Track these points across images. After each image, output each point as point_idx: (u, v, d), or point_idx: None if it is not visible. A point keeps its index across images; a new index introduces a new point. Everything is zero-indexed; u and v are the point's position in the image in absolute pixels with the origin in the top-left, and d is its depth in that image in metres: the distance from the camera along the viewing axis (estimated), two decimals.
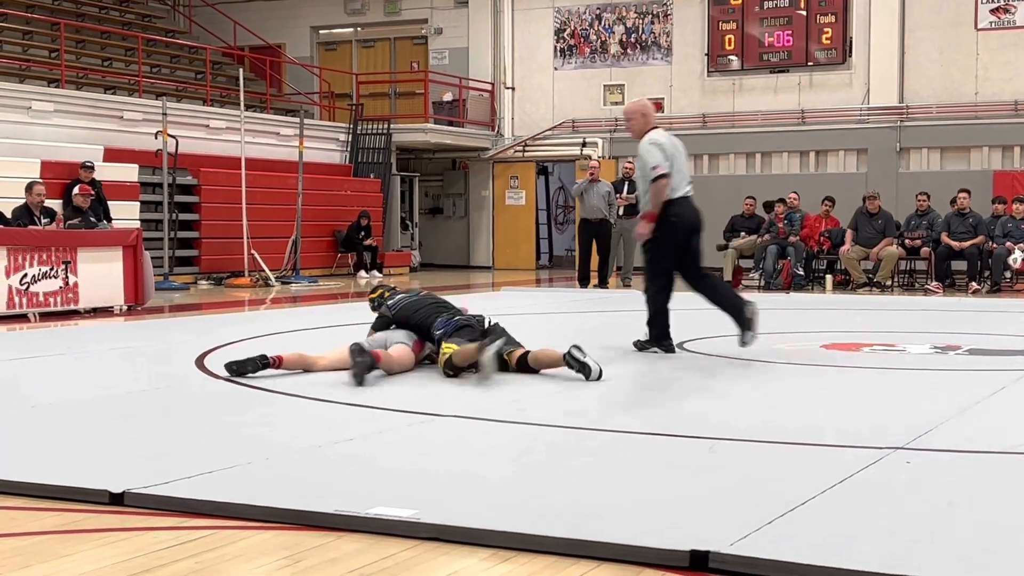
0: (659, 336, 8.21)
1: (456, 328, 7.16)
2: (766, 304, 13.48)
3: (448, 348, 6.95)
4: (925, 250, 16.78)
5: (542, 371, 6.98)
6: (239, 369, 6.81)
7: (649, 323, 8.24)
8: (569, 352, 6.86)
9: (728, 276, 17.31)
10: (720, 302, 8.20)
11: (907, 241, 16.92)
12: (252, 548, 3.44)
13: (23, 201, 12.70)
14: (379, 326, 7.44)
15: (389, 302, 7.51)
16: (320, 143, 22.17)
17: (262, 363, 6.86)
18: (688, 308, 12.65)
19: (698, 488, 4.03)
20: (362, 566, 3.24)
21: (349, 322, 9.87)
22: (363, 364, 6.61)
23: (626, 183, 17.59)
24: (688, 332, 9.54)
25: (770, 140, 22.28)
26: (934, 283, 16.39)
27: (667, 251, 8.22)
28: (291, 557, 3.33)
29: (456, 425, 5.32)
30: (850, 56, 21.64)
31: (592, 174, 16.53)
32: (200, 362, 7.62)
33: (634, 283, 17.44)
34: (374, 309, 7.78)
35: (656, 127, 8.40)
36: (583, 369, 6.78)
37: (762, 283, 17.10)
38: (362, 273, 20.75)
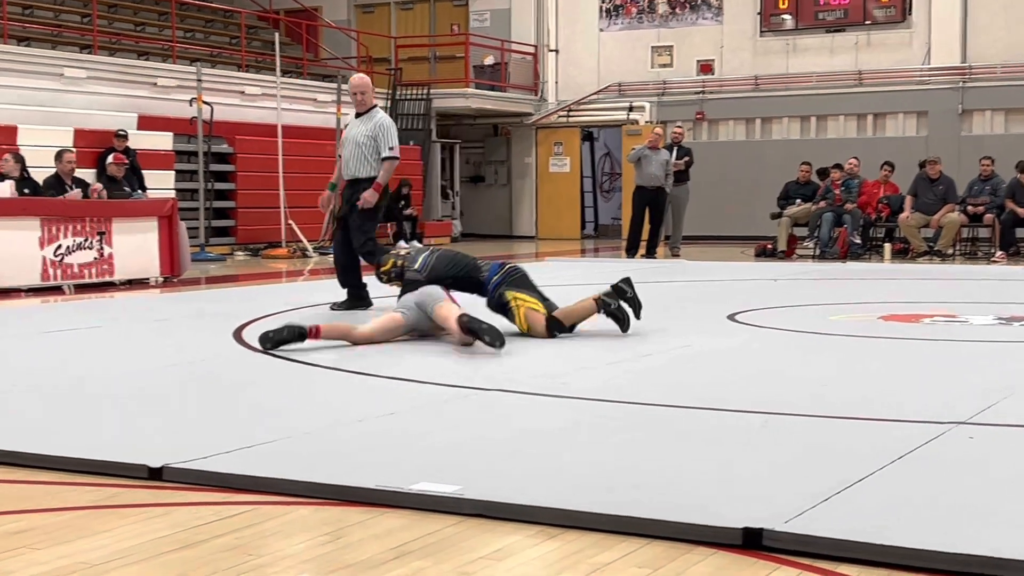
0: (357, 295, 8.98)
1: (510, 276, 7.28)
2: (822, 274, 13.43)
3: (524, 299, 7.15)
4: (988, 217, 16.57)
5: (578, 328, 7.18)
6: (275, 340, 6.83)
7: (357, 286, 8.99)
8: (601, 298, 7.19)
9: (782, 245, 17.20)
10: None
11: (969, 208, 16.73)
12: (293, 524, 3.48)
13: (54, 170, 12.85)
14: (407, 289, 7.36)
15: (415, 265, 7.48)
16: None
17: (299, 334, 6.88)
18: (735, 279, 12.60)
19: (750, 464, 4.02)
20: (405, 543, 3.27)
21: (388, 293, 9.91)
22: (491, 332, 6.60)
23: (675, 148, 17.51)
24: (737, 303, 9.51)
25: (826, 103, 22.05)
26: (998, 252, 16.19)
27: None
28: (332, 533, 3.36)
29: (499, 399, 5.34)
30: (910, 14, 21.34)
31: (652, 141, 16.46)
32: (238, 335, 7.69)
33: (683, 252, 17.38)
34: (391, 279, 7.58)
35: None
36: (617, 317, 7.16)
37: (817, 252, 16.99)
38: (402, 244, 20.80)
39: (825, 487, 3.65)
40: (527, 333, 7.26)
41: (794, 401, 5.24)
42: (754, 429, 4.61)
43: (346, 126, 9.09)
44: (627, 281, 7.47)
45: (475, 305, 7.58)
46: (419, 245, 20.71)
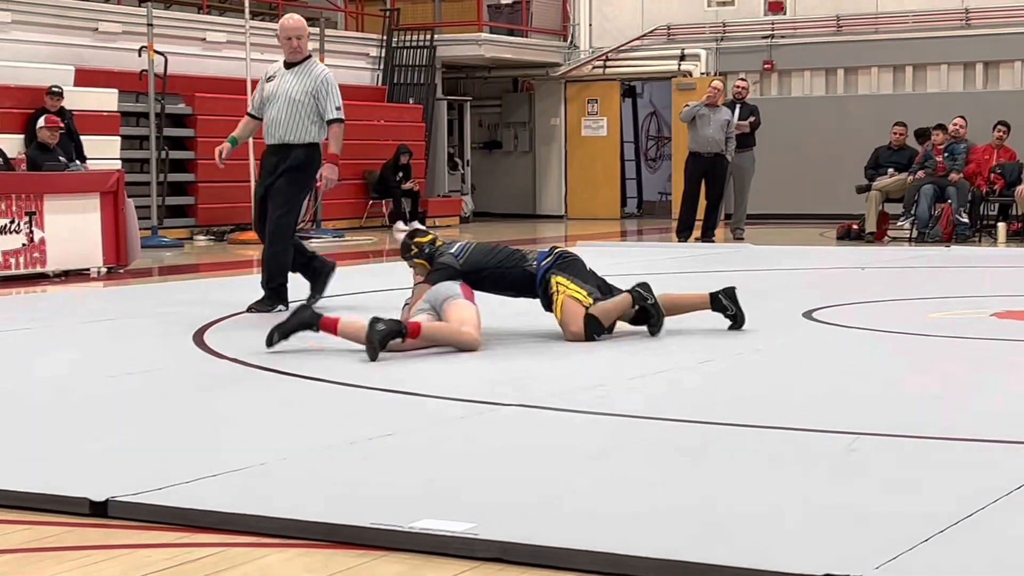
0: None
1: (560, 260, 7.33)
2: (920, 261, 13.39)
3: (566, 286, 7.29)
4: None
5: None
6: (285, 329, 6.94)
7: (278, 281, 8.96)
8: (636, 290, 7.40)
9: (871, 226, 17.16)
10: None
11: None
12: (268, 570, 3.49)
13: None
14: (437, 277, 7.33)
15: (451, 249, 7.49)
16: (346, 60, 22.24)
17: (309, 321, 6.93)
18: (813, 268, 12.57)
19: (833, 497, 4.02)
20: None
21: (386, 286, 9.93)
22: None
23: (738, 107, 17.48)
24: (816, 298, 9.49)
25: (925, 49, 21.97)
26: None
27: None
28: None
29: (522, 416, 5.34)
30: None
31: (710, 97, 16.43)
32: (199, 338, 7.71)
33: (748, 235, 17.36)
34: (420, 257, 7.52)
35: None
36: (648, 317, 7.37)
37: (914, 233, 16.94)
38: (399, 225, 20.81)
39: (925, 526, 3.63)
40: (596, 335, 7.27)
41: (887, 419, 5.22)
42: (838, 454, 4.60)
43: (269, 77, 8.93)
44: (729, 294, 7.74)
45: (494, 310, 7.59)
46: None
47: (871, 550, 3.42)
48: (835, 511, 3.85)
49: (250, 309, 8.82)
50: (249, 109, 9.20)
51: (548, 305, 7.49)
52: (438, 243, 7.63)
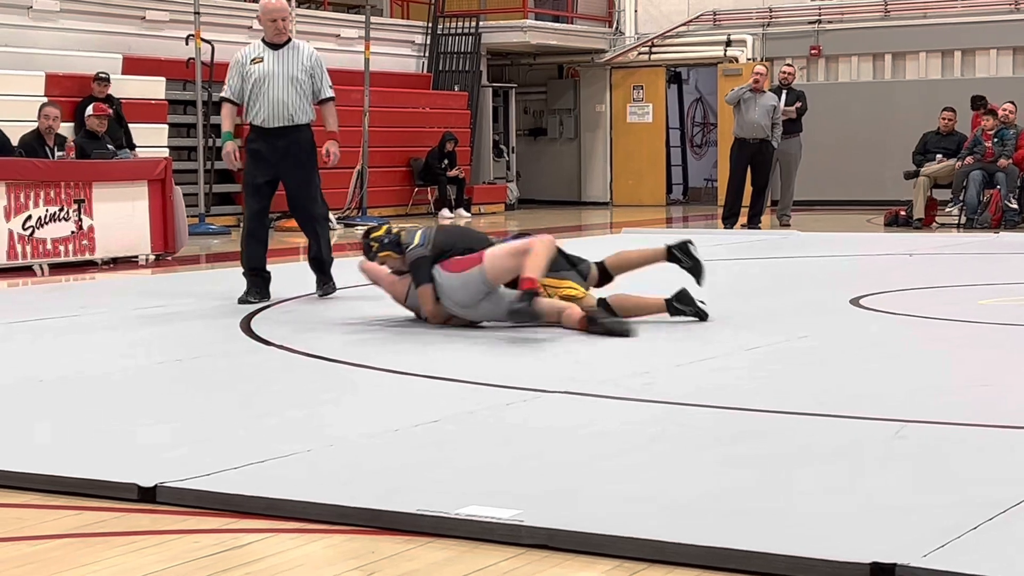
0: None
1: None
2: (969, 247, 13.28)
3: (555, 285, 7.32)
4: None
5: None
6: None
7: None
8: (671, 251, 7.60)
9: (919, 212, 17.04)
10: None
11: None
12: (315, 557, 3.51)
13: (31, 125, 12.99)
14: (424, 275, 7.34)
15: (415, 241, 7.48)
16: (391, 47, 22.27)
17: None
18: (860, 254, 12.50)
19: (880, 484, 4.00)
20: None
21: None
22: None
23: (784, 92, 17.39)
24: (863, 285, 9.43)
25: (973, 34, 21.78)
26: None
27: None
28: (363, 568, 3.39)
29: (567, 403, 5.34)
30: None
31: (756, 81, 16.36)
32: (247, 325, 7.75)
33: (795, 221, 17.28)
34: (383, 248, 7.52)
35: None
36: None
37: (963, 219, 16.81)
38: (445, 212, 20.88)
39: (974, 513, 3.61)
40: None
41: (935, 407, 5.20)
42: (886, 440, 4.58)
43: (254, 59, 8.83)
44: (683, 248, 7.75)
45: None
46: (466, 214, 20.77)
47: (919, 538, 3.40)
48: (882, 499, 3.83)
49: (325, 293, 8.94)
50: (226, 94, 8.96)
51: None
52: (395, 230, 7.64)
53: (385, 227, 7.69)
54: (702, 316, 7.53)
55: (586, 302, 7.38)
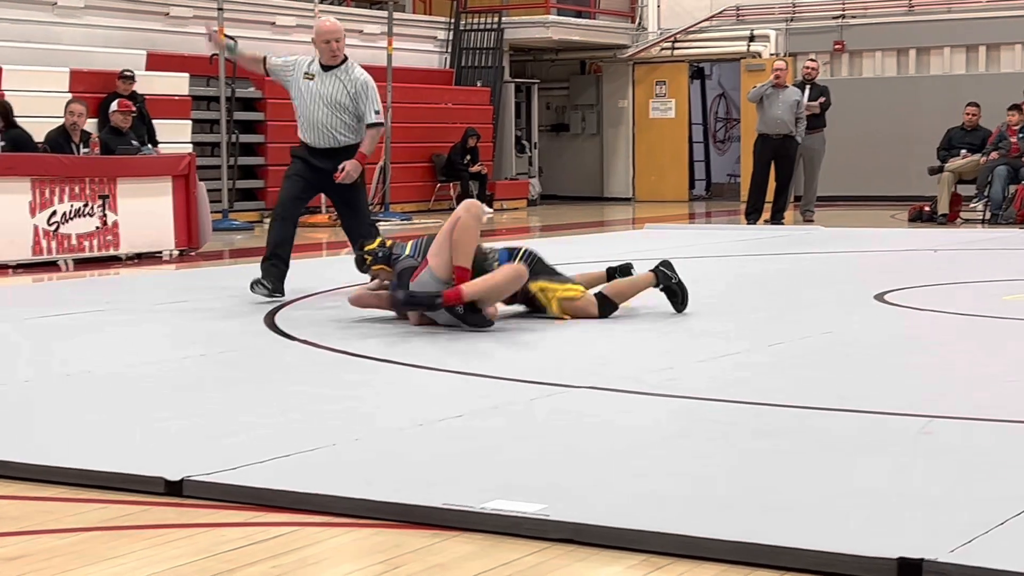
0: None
1: (527, 264, 7.42)
2: (993, 242, 13.23)
3: (552, 288, 7.37)
4: None
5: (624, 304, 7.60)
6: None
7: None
8: (660, 270, 7.62)
9: (943, 207, 17.00)
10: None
11: None
12: (340, 550, 3.51)
13: (55, 121, 13.03)
14: (404, 280, 7.33)
15: (406, 252, 7.47)
16: (414, 43, 22.29)
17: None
18: (884, 250, 12.46)
19: (908, 479, 3.99)
20: (477, 574, 3.29)
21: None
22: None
23: (807, 88, 17.36)
24: (887, 280, 9.41)
25: (999, 28, 21.69)
26: None
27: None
28: (389, 562, 3.39)
29: (592, 398, 5.35)
30: None
31: (778, 77, 16.33)
32: (271, 320, 7.77)
33: (819, 217, 17.24)
34: (376, 261, 7.52)
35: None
36: (672, 294, 7.59)
37: (987, 215, 16.75)
38: None
39: (1002, 508, 3.60)
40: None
41: (961, 401, 5.19)
42: (913, 436, 4.57)
43: (307, 74, 8.77)
44: (667, 265, 7.78)
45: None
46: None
47: (945, 533, 3.39)
48: (909, 494, 3.82)
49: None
50: (270, 57, 9.06)
51: (533, 307, 7.59)
52: (388, 243, 7.63)
53: (379, 240, 7.69)
54: (683, 292, 7.65)
55: (585, 299, 7.48)
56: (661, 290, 7.73)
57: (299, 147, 8.96)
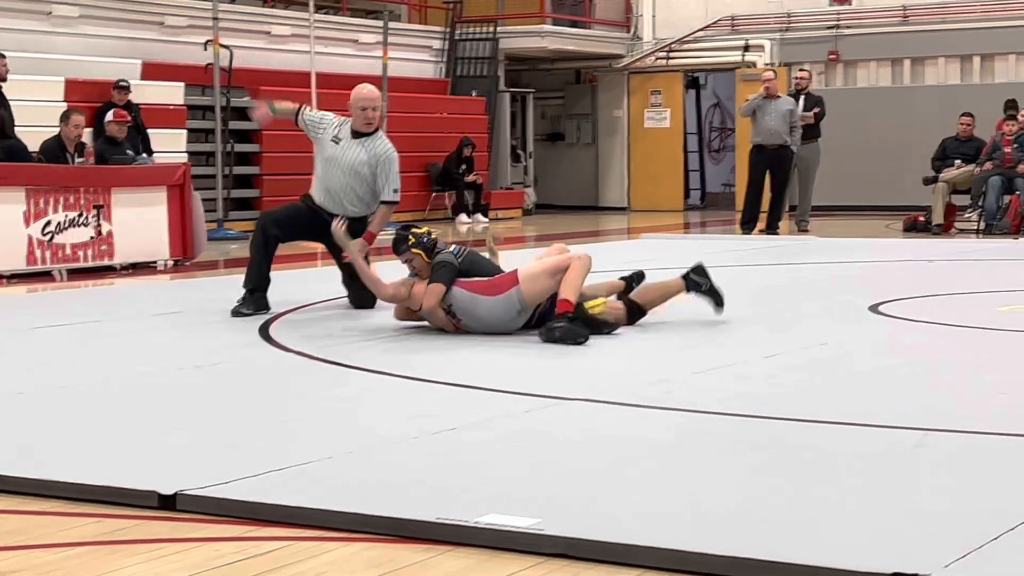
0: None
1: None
2: (988, 253, 13.24)
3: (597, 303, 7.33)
4: None
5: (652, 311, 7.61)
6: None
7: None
8: (690, 276, 7.65)
9: (938, 218, 17.00)
10: None
11: None
12: (335, 565, 3.51)
13: (51, 131, 13.00)
14: (444, 277, 7.31)
15: (450, 248, 7.49)
16: (409, 52, 22.30)
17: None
18: (879, 260, 12.47)
19: (902, 493, 3.99)
20: None
21: None
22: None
23: (801, 97, 17.37)
24: (882, 291, 9.42)
25: (993, 39, 21.72)
26: None
27: None
28: None
29: (586, 411, 5.35)
30: None
31: (768, 88, 16.35)
32: (265, 331, 7.77)
33: (813, 227, 17.26)
34: (418, 246, 7.41)
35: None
36: (710, 293, 7.62)
37: (982, 225, 16.75)
38: (463, 217, 20.89)
39: (997, 524, 3.60)
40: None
41: (957, 414, 5.19)
42: (908, 449, 4.57)
43: (336, 138, 8.57)
44: (698, 271, 7.79)
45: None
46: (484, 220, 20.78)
47: (940, 548, 3.40)
48: (903, 508, 3.83)
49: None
50: (305, 110, 8.83)
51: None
52: (434, 236, 7.58)
53: (426, 228, 7.61)
54: (717, 295, 7.70)
55: (611, 309, 7.48)
56: (697, 293, 7.71)
57: (308, 196, 8.78)
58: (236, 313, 8.40)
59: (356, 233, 8.27)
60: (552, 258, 7.38)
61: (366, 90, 8.69)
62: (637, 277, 7.82)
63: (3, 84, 13.82)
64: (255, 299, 8.54)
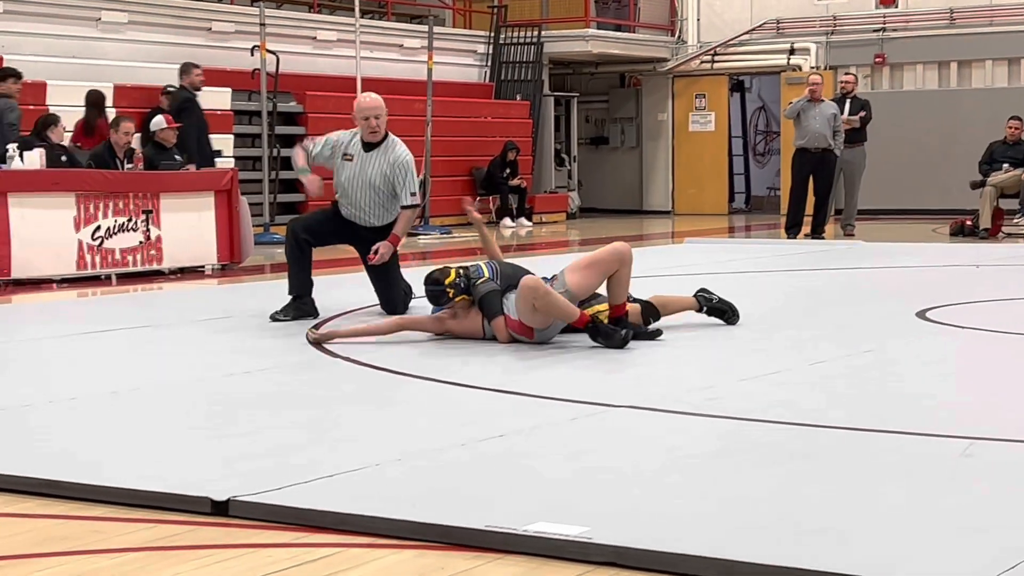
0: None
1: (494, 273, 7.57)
2: None
3: (600, 309, 7.36)
4: None
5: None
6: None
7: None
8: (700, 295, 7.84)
9: (985, 222, 16.90)
10: None
11: None
12: (385, 571, 3.54)
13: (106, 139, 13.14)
14: (498, 306, 7.35)
15: (482, 275, 7.44)
16: (454, 57, 22.35)
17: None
18: (926, 265, 12.41)
19: (946, 504, 3.98)
20: None
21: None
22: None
23: (847, 101, 17.32)
24: (929, 297, 9.37)
25: None
26: None
27: None
28: None
29: (633, 418, 5.36)
30: None
31: (813, 91, 16.32)
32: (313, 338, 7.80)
33: (859, 231, 17.19)
34: (460, 294, 7.39)
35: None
36: (721, 313, 7.78)
37: None
38: (507, 221, 20.92)
39: None
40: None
41: (1003, 423, 5.17)
42: (952, 460, 4.56)
43: (347, 155, 8.61)
44: (704, 291, 8.00)
45: None
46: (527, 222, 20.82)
47: (987, 559, 3.39)
48: (950, 518, 3.82)
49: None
50: (306, 144, 8.79)
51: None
52: (464, 272, 7.50)
53: (453, 271, 7.50)
54: (726, 309, 7.85)
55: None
56: (707, 313, 7.86)
57: (336, 203, 8.85)
58: (273, 318, 8.49)
59: (383, 238, 8.56)
60: (600, 260, 7.35)
61: (368, 99, 8.65)
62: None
63: (198, 93, 15.01)
64: (296, 305, 8.62)
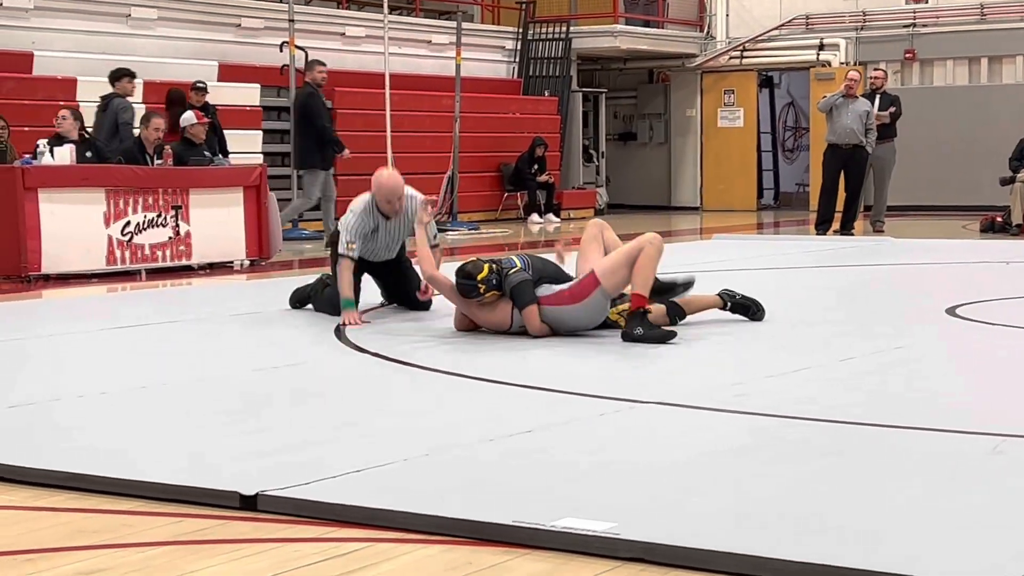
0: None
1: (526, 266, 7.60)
2: None
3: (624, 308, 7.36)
4: None
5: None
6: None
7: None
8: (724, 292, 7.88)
9: (1016, 218, 16.82)
10: None
11: None
12: (413, 566, 3.55)
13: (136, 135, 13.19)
14: (530, 295, 7.37)
15: (514, 266, 7.45)
16: (482, 53, 22.36)
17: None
18: (955, 261, 12.36)
19: (974, 501, 3.97)
20: None
21: None
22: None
23: (877, 97, 17.25)
24: (959, 293, 9.33)
25: None
26: None
27: None
28: None
29: (661, 415, 5.36)
30: None
31: (849, 87, 16.27)
32: (341, 331, 7.83)
33: (889, 227, 17.13)
34: (491, 289, 7.41)
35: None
36: (746, 309, 7.81)
37: None
38: (534, 217, 20.93)
39: None
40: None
41: None
42: (982, 456, 4.54)
43: (374, 230, 8.51)
44: (727, 291, 8.03)
45: None
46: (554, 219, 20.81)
47: (1016, 556, 3.38)
48: (979, 515, 3.80)
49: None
50: (350, 253, 8.36)
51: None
52: (496, 267, 7.49)
53: (487, 266, 7.46)
54: (750, 305, 7.87)
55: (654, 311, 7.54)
56: (731, 310, 7.87)
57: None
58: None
59: (401, 263, 8.87)
60: (627, 245, 7.37)
61: (390, 181, 8.47)
62: (685, 284, 7.96)
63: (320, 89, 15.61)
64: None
